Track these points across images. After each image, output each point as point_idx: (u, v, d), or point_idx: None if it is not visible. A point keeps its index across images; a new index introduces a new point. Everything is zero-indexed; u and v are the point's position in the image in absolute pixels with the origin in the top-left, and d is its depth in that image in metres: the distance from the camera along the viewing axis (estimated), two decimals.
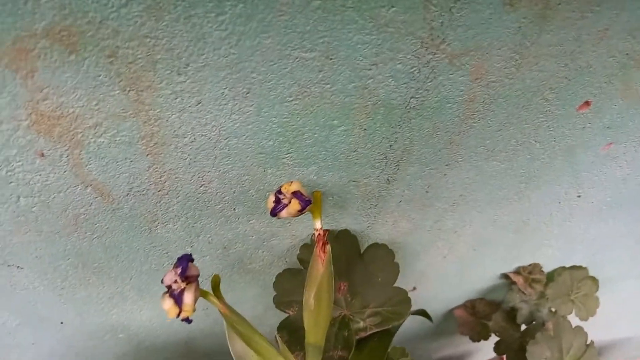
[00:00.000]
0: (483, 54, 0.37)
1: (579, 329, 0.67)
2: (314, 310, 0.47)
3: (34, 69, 0.31)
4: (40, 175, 0.39)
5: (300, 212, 0.43)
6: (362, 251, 0.54)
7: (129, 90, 0.34)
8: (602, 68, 0.40)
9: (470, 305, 0.79)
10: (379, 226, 0.55)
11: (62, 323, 0.61)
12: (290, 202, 0.42)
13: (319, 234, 0.46)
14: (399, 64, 0.36)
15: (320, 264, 0.46)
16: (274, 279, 0.57)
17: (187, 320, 0.39)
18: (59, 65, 0.31)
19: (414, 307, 0.66)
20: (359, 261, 0.54)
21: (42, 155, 0.37)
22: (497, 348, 0.73)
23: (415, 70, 0.37)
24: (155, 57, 0.32)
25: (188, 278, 0.38)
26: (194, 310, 0.38)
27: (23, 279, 0.51)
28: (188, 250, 0.52)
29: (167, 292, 0.39)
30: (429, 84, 0.38)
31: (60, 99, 0.33)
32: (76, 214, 0.44)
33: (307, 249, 0.54)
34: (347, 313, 0.54)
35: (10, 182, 0.39)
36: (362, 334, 0.54)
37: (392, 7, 0.32)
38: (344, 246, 0.53)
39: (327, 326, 0.48)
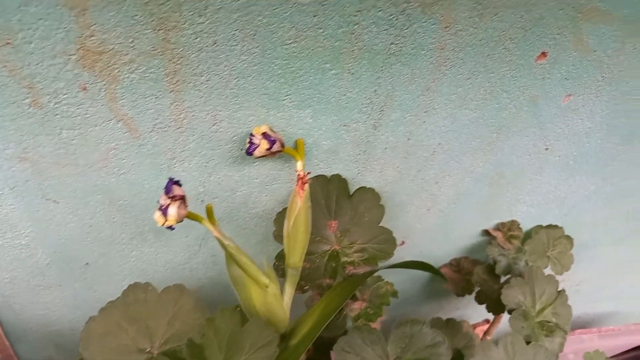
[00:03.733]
0: (450, 3, 0.44)
1: (551, 277, 0.74)
2: (291, 237, 0.56)
3: (86, 8, 0.39)
4: (81, 108, 0.47)
5: (269, 149, 0.51)
6: (351, 193, 0.62)
7: (159, 30, 0.42)
8: (554, 20, 0.48)
9: (455, 263, 0.86)
10: (367, 173, 0.63)
11: (87, 264, 0.68)
12: (260, 142, 0.51)
13: (298, 174, 0.54)
14: (379, 11, 0.44)
15: (299, 199, 0.54)
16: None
17: (171, 227, 0.47)
18: (105, 4, 0.39)
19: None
20: (348, 202, 0.61)
21: (85, 89, 0.45)
22: (478, 297, 0.80)
23: (393, 17, 0.45)
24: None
25: (173, 197, 0.46)
26: (177, 221, 0.46)
27: (57, 214, 0.58)
28: (200, 190, 0.59)
29: (158, 208, 0.48)
30: (405, 31, 0.46)
31: (103, 36, 0.41)
32: (108, 148, 0.51)
33: None
34: (336, 248, 0.62)
35: (56, 115, 0.47)
36: (351, 268, 0.61)
37: None
38: (335, 188, 0.61)
39: (304, 251, 0.57)
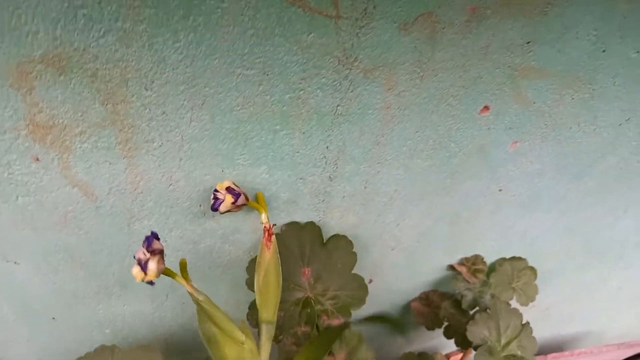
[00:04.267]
0: (390, 68, 0.46)
1: (515, 310, 0.76)
2: (263, 292, 0.56)
3: (32, 88, 0.40)
4: (35, 177, 0.48)
5: (234, 203, 0.52)
6: (324, 241, 0.63)
7: (107, 104, 0.43)
8: (492, 78, 0.50)
9: (424, 297, 0.87)
10: (328, 219, 0.64)
11: (53, 318, 0.68)
12: (224, 196, 0.51)
13: (265, 226, 0.55)
14: (322, 78, 0.46)
15: (267, 252, 0.55)
16: (242, 274, 0.66)
17: (151, 282, 0.47)
18: (52, 84, 0.40)
19: (374, 301, 0.74)
20: (322, 249, 0.63)
21: (37, 159, 0.46)
22: (447, 332, 0.81)
23: (337, 83, 0.46)
24: (127, 76, 0.41)
25: (153, 251, 0.46)
26: (156, 276, 0.46)
27: (20, 274, 0.59)
28: (164, 244, 0.60)
29: (136, 262, 0.47)
30: (350, 94, 0.48)
31: (52, 112, 0.42)
32: (65, 211, 0.52)
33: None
34: (310, 295, 0.63)
35: (11, 183, 0.48)
36: (325, 317, 0.62)
37: (311, 33, 0.42)
38: (309, 235, 0.62)
39: (276, 305, 0.57)
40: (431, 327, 0.86)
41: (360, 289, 0.64)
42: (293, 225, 0.62)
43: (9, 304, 0.64)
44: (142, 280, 0.46)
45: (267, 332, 0.57)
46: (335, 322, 0.61)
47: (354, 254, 0.64)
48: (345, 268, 0.63)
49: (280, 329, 0.62)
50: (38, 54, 0.38)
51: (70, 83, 0.40)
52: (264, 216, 0.55)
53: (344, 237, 0.64)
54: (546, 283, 0.92)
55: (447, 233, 0.73)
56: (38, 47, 0.38)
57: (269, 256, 0.55)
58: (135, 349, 0.52)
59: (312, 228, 0.63)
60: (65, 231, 0.55)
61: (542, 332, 0.88)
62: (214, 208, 0.52)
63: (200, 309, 0.55)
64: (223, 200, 0.51)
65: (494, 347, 0.72)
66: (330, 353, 0.56)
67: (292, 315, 0.62)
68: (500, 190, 0.66)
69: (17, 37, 0.37)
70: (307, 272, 0.63)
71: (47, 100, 0.41)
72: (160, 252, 0.46)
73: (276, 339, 0.62)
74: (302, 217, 0.63)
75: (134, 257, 0.46)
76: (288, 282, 0.62)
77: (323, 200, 0.61)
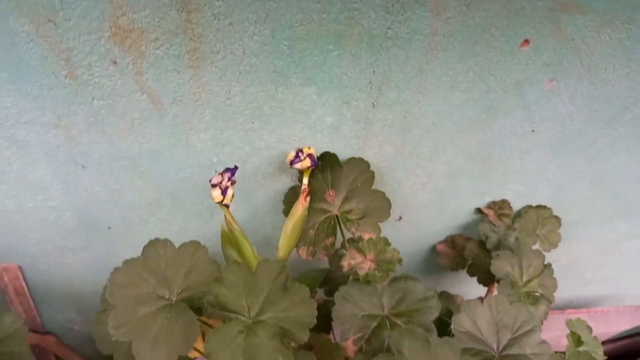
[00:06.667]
0: None
1: (538, 251, 0.80)
2: (287, 235, 0.67)
3: None
4: (111, 80, 0.53)
5: (309, 167, 0.64)
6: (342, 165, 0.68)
7: (182, 11, 0.47)
8: (534, 10, 0.53)
9: (450, 240, 0.91)
10: (367, 149, 0.68)
11: (109, 228, 0.74)
12: (305, 159, 0.63)
13: (303, 188, 0.66)
14: None
15: (300, 207, 0.66)
16: (282, 197, 0.72)
17: (227, 205, 0.60)
18: None
19: (400, 241, 0.79)
20: (340, 172, 0.68)
21: (115, 62, 0.51)
22: (470, 270, 0.85)
23: (389, 5, 0.50)
24: None
25: (232, 181, 0.58)
26: (230, 201, 0.59)
27: (85, 178, 0.65)
28: (214, 161, 0.65)
29: (216, 186, 0.58)
30: (400, 17, 0.51)
31: (133, 16, 0.47)
32: (132, 118, 0.58)
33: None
34: (336, 213, 0.68)
35: (89, 85, 0.53)
36: (353, 229, 0.67)
37: None
38: (327, 162, 0.67)
39: (292, 248, 0.68)
40: (455, 268, 0.90)
41: (382, 200, 0.69)
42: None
43: (72, 210, 0.70)
44: (220, 203, 0.58)
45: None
46: (366, 235, 0.65)
47: (372, 172, 0.69)
48: (365, 185, 0.68)
49: (313, 244, 0.68)
50: None
51: None
52: (305, 180, 0.66)
53: (359, 158, 0.69)
54: (570, 236, 0.95)
55: (477, 173, 0.76)
56: None
57: (301, 211, 0.66)
58: (185, 244, 0.58)
59: (329, 156, 0.68)
60: (130, 139, 0.60)
61: (561, 292, 0.91)
62: (292, 163, 0.63)
63: (226, 235, 0.67)
64: (301, 161, 0.63)
65: (516, 282, 0.76)
66: (362, 252, 0.61)
67: (321, 231, 0.68)
68: (532, 130, 0.69)
69: None
70: (331, 194, 0.69)
71: (131, 4, 0.46)
72: (234, 183, 0.58)
73: (312, 254, 0.68)
74: (343, 145, 0.67)
75: (210, 182, 0.58)
76: (316, 204, 0.69)
77: (364, 128, 0.65)
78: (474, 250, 0.86)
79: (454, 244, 0.91)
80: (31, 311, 0.91)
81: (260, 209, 0.76)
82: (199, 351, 0.67)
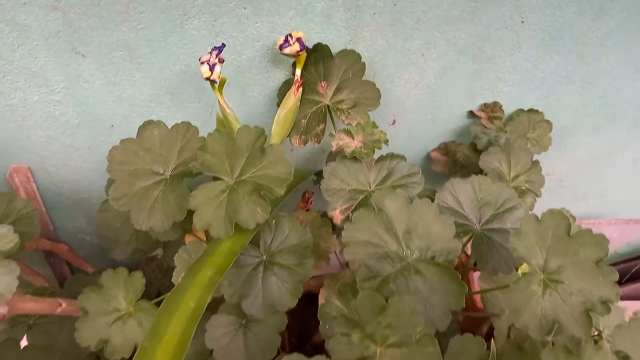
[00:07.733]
0: None
1: (527, 149, 0.82)
2: (279, 124, 0.70)
3: None
4: None
5: (298, 52, 0.64)
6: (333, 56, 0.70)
7: None
8: None
9: (443, 147, 0.94)
10: (359, 40, 0.70)
11: (112, 126, 0.77)
12: (294, 43, 0.63)
13: (296, 79, 0.68)
14: None
15: (293, 98, 0.68)
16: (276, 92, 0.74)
17: (214, 81, 0.61)
18: None
19: (395, 149, 0.81)
20: (332, 63, 0.70)
21: None
22: (462, 172, 0.88)
23: None
24: None
25: (220, 58, 0.59)
26: (218, 78, 0.61)
27: (85, 69, 0.67)
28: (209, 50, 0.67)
29: (204, 62, 0.60)
30: None
31: None
32: (128, 1, 0.59)
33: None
34: (328, 103, 0.71)
35: None
36: (343, 117, 0.70)
37: None
38: (321, 54, 0.69)
39: (285, 136, 0.71)
40: (448, 174, 0.93)
41: (372, 90, 0.71)
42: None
43: (74, 106, 0.73)
44: (207, 79, 0.59)
45: None
46: (354, 122, 0.68)
47: (363, 63, 0.71)
48: (357, 76, 0.70)
49: (305, 133, 0.71)
50: None
51: None
52: (298, 71, 0.68)
53: (351, 50, 0.71)
54: (561, 144, 0.98)
55: (469, 70, 0.78)
56: None
57: (293, 101, 0.69)
58: (177, 125, 0.61)
59: (321, 47, 0.70)
60: (127, 24, 0.62)
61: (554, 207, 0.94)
62: (281, 47, 0.63)
63: (220, 121, 0.70)
64: (290, 46, 0.63)
65: (504, 176, 0.79)
66: (350, 135, 0.64)
67: (312, 120, 0.71)
68: (522, 22, 0.70)
69: None
70: (323, 85, 0.71)
71: None
72: (222, 61, 0.60)
73: (305, 142, 0.71)
74: (334, 35, 0.69)
75: (200, 59, 0.59)
76: (309, 94, 0.72)
77: (355, 16, 0.66)
78: (466, 152, 0.88)
79: (447, 150, 0.94)
80: (43, 216, 0.95)
81: (256, 107, 0.78)
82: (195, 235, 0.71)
